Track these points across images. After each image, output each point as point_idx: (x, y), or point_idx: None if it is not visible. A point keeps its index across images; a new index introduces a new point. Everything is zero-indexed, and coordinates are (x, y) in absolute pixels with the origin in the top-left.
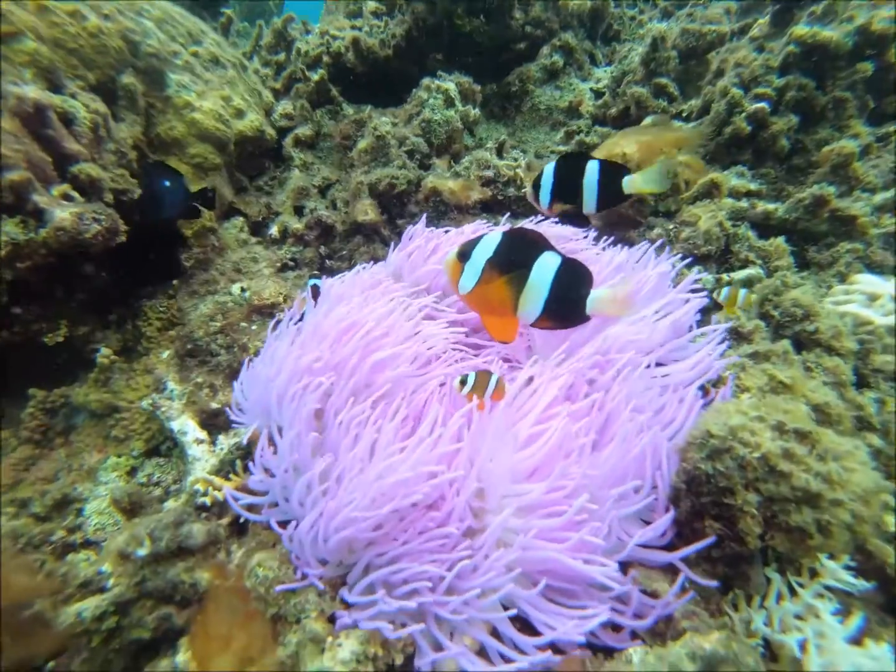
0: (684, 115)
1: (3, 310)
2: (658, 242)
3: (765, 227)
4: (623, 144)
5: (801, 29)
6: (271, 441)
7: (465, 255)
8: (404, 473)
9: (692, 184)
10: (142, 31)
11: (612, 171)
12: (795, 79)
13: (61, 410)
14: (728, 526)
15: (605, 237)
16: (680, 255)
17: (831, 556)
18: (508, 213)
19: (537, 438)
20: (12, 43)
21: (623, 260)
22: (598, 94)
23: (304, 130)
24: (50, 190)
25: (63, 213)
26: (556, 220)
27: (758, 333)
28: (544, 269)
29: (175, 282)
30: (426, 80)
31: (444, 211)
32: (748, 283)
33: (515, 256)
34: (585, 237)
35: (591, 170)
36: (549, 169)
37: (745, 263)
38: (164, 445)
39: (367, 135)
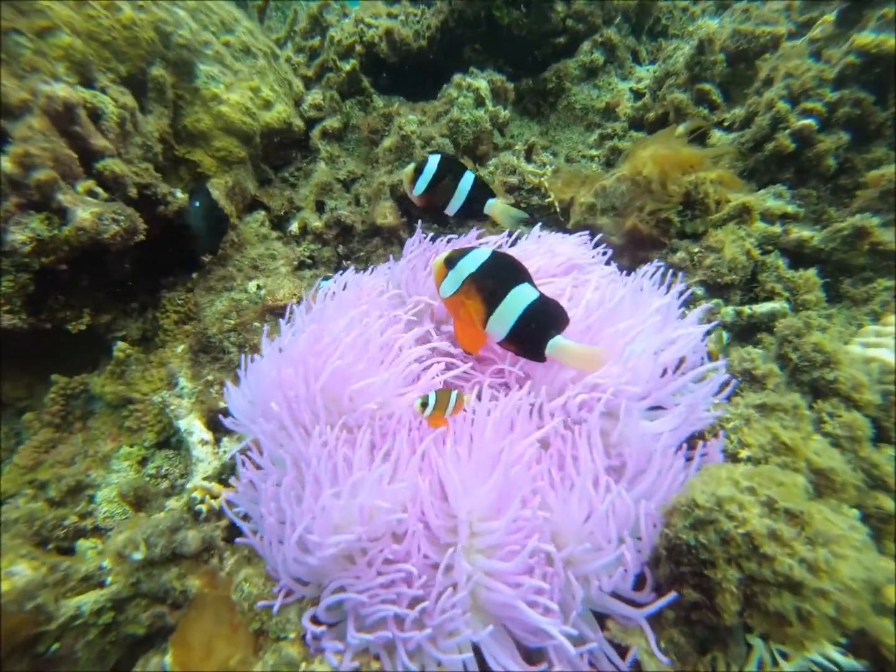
0: (726, 124)
1: (31, 298)
2: (660, 271)
3: (798, 255)
4: (643, 158)
5: (864, 37)
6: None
7: (451, 262)
8: (366, 503)
9: (723, 203)
10: (174, 22)
11: (482, 190)
12: (851, 93)
13: (81, 396)
14: (707, 597)
15: (625, 257)
16: (698, 282)
17: None
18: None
19: (509, 477)
20: (48, 37)
21: (626, 293)
22: (638, 94)
23: (332, 122)
24: (75, 186)
25: (84, 212)
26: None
27: (771, 378)
28: (518, 299)
29: (194, 275)
30: (457, 77)
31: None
32: (771, 318)
33: (495, 279)
34: (594, 256)
35: (467, 180)
36: (433, 161)
37: (771, 295)
38: (175, 438)
39: (393, 133)
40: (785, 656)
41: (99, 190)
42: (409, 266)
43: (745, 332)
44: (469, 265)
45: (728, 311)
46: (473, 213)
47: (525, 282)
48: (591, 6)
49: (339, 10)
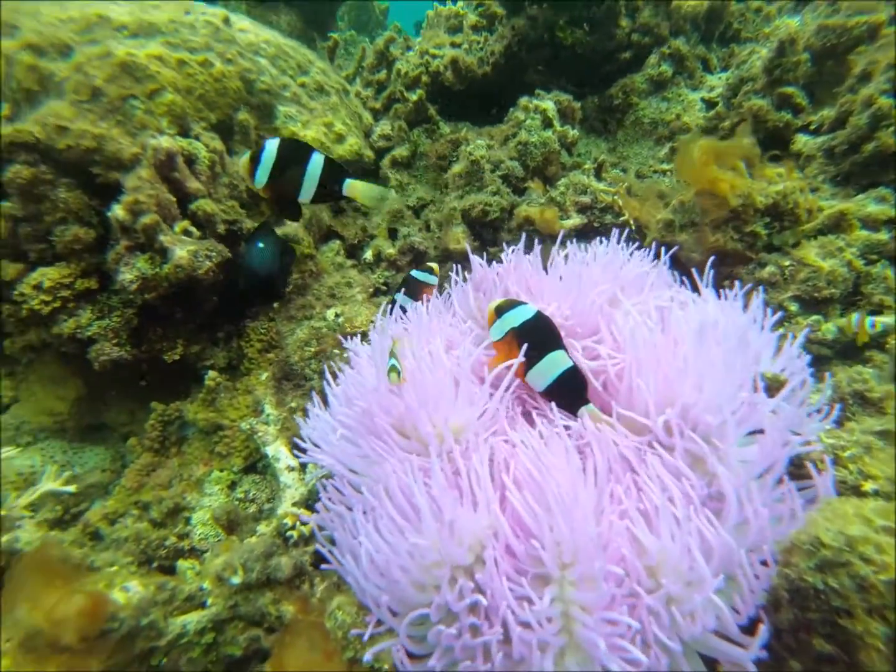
0: (812, 127)
1: (134, 331)
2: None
3: None
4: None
5: None
6: None
7: (500, 311)
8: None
9: (815, 213)
10: (257, 70)
11: (335, 170)
12: None
13: (176, 422)
14: (843, 651)
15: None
16: (791, 297)
17: None
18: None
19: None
20: (156, 97)
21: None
22: (710, 104)
23: (401, 151)
24: (173, 227)
25: (181, 251)
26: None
27: (890, 401)
28: (553, 364)
29: (276, 305)
30: (524, 100)
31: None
32: (882, 335)
33: (535, 338)
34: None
35: (316, 162)
36: (271, 146)
37: (880, 309)
38: (260, 464)
39: (462, 158)
40: None
41: (193, 229)
42: (478, 294)
43: (851, 350)
44: (514, 320)
45: (829, 328)
46: (330, 196)
47: (561, 348)
48: (657, 18)
49: (403, 44)
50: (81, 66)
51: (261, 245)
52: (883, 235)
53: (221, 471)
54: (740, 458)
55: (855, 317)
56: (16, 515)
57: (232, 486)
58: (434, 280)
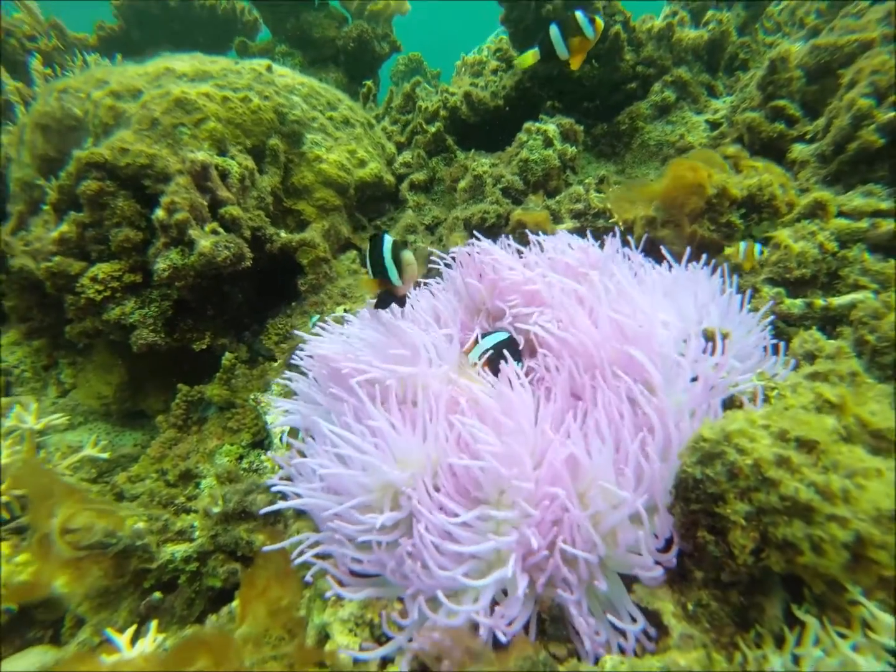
0: (808, 136)
1: (168, 321)
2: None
3: (892, 250)
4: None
5: None
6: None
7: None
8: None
9: (795, 206)
10: (290, 105)
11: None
12: None
13: (198, 405)
14: (723, 540)
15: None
16: (765, 280)
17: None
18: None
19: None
20: (200, 125)
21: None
22: (714, 125)
23: (419, 175)
24: (203, 227)
25: (205, 242)
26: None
27: (839, 358)
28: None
29: (293, 303)
30: (527, 124)
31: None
32: (851, 309)
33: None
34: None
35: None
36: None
37: (856, 288)
38: (267, 440)
39: (467, 175)
40: (845, 638)
41: (220, 230)
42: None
43: (821, 327)
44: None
45: (796, 303)
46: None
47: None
48: (660, 51)
49: (431, 91)
50: (146, 104)
51: None
52: (863, 224)
53: (231, 444)
54: (675, 397)
55: (742, 244)
56: (59, 472)
57: (240, 458)
58: (592, 34)
